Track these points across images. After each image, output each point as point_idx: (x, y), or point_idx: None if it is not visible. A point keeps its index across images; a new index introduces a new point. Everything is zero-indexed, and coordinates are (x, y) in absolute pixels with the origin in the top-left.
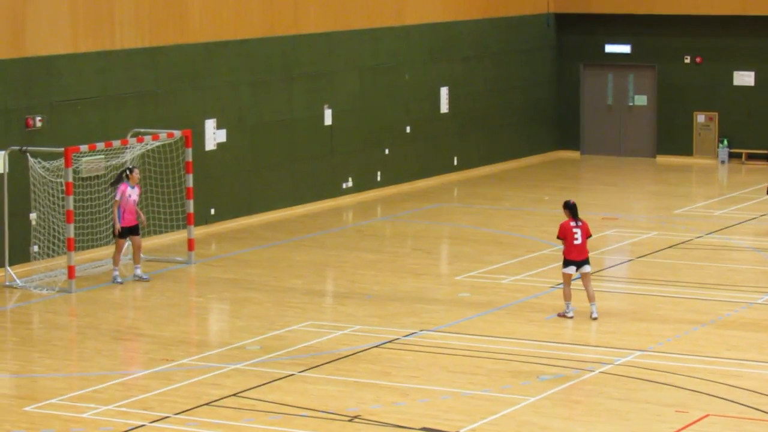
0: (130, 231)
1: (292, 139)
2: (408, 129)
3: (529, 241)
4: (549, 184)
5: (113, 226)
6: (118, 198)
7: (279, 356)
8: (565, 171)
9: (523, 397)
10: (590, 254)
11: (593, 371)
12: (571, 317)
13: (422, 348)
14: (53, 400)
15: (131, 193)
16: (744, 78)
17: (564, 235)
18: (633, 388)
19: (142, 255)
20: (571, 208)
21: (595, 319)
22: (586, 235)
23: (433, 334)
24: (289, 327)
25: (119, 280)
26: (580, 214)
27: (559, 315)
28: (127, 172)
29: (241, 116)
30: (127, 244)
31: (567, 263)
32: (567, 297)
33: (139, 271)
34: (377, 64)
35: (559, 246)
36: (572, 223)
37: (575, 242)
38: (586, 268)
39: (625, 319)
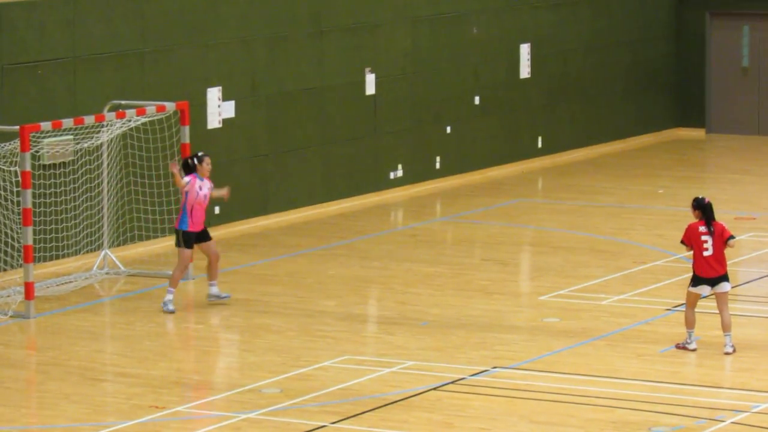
0: (200, 237)
1: (322, 114)
2: (477, 100)
3: (637, 249)
4: (665, 173)
5: (177, 231)
6: (187, 191)
7: (305, 402)
8: (686, 155)
9: None
10: None
11: (724, 420)
12: (694, 349)
13: (495, 391)
14: None
15: (201, 186)
16: None
17: (690, 241)
18: None
19: (125, 269)
20: (703, 209)
21: (728, 353)
22: (722, 240)
23: (511, 373)
24: (318, 363)
25: (171, 308)
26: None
27: (678, 347)
28: (195, 161)
29: (254, 84)
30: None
31: (697, 281)
32: (690, 324)
33: (215, 290)
34: (436, 14)
35: (682, 256)
36: (702, 228)
37: (705, 253)
38: (724, 287)
39: (764, 353)
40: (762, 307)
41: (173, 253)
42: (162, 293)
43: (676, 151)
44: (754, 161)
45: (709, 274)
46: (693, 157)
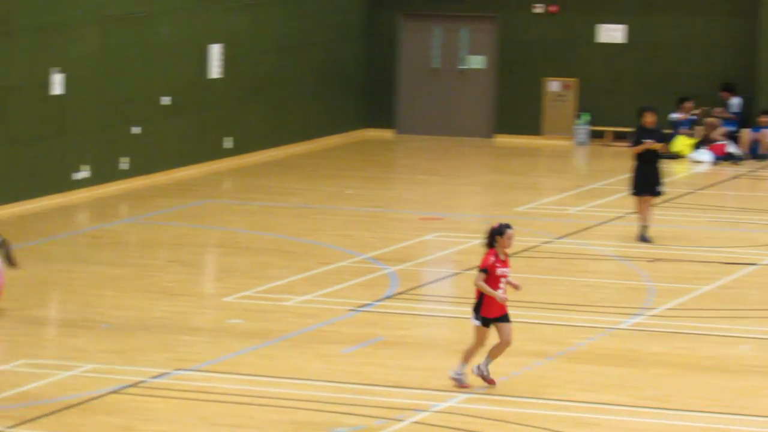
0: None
1: (6, 114)
2: (166, 100)
3: (323, 250)
4: (353, 173)
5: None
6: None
7: None
8: (375, 156)
9: None
10: (406, 264)
11: (403, 420)
12: (466, 386)
13: (176, 393)
14: None
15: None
16: (611, 33)
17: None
18: None
19: None
20: (499, 233)
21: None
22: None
23: (192, 375)
24: None
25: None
26: (394, 211)
27: (457, 380)
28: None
29: None
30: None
31: (484, 319)
32: (469, 356)
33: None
34: (126, 14)
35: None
36: (493, 258)
37: (499, 291)
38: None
39: (447, 351)
40: (446, 307)
41: None
42: None
43: (366, 152)
44: (441, 162)
45: (498, 312)
46: (382, 157)
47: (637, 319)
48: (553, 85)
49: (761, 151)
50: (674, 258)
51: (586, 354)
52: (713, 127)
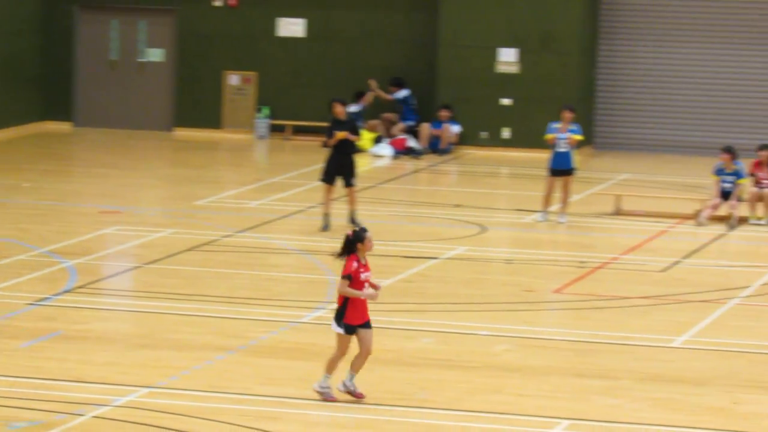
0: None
1: None
2: None
3: None
4: (30, 166)
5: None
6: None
7: None
8: (53, 149)
9: None
10: (85, 258)
11: (84, 415)
12: (333, 399)
13: None
14: None
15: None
16: (292, 27)
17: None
18: None
19: None
20: (358, 240)
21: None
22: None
23: None
24: None
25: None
26: (73, 205)
27: (322, 393)
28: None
29: None
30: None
31: (347, 327)
32: (332, 366)
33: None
34: None
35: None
36: (356, 264)
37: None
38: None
39: (128, 346)
40: (126, 301)
41: None
42: None
43: (43, 145)
44: (121, 155)
45: (361, 318)
46: (60, 150)
47: (319, 313)
48: (233, 79)
49: (441, 146)
50: None
51: (268, 348)
52: (390, 122)
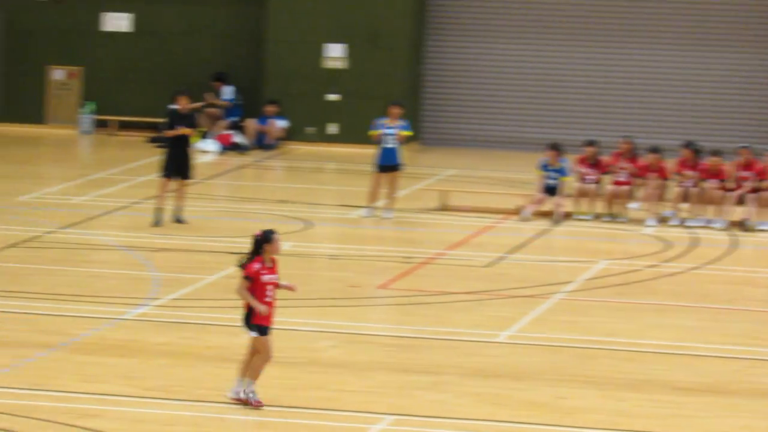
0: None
1: None
2: None
3: None
4: None
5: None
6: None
7: None
8: None
9: None
10: None
11: None
12: (256, 405)
13: None
14: None
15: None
16: (117, 22)
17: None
18: None
19: None
20: (266, 240)
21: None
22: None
23: None
24: None
25: None
26: None
27: (248, 398)
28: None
29: None
30: None
31: (260, 328)
32: (257, 372)
33: None
34: None
35: None
36: (258, 265)
37: (267, 299)
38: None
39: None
40: None
41: None
42: None
43: None
44: None
45: (270, 321)
46: None
47: (142, 310)
48: (57, 74)
49: (267, 141)
50: (180, 248)
51: (90, 345)
52: (215, 118)
